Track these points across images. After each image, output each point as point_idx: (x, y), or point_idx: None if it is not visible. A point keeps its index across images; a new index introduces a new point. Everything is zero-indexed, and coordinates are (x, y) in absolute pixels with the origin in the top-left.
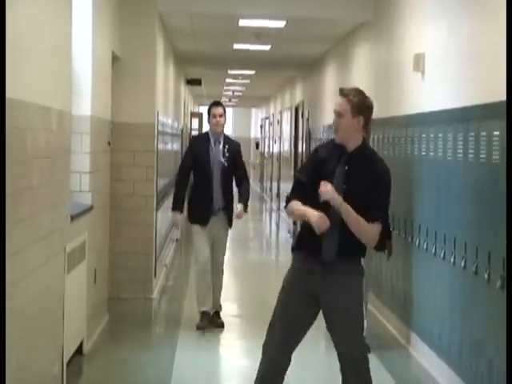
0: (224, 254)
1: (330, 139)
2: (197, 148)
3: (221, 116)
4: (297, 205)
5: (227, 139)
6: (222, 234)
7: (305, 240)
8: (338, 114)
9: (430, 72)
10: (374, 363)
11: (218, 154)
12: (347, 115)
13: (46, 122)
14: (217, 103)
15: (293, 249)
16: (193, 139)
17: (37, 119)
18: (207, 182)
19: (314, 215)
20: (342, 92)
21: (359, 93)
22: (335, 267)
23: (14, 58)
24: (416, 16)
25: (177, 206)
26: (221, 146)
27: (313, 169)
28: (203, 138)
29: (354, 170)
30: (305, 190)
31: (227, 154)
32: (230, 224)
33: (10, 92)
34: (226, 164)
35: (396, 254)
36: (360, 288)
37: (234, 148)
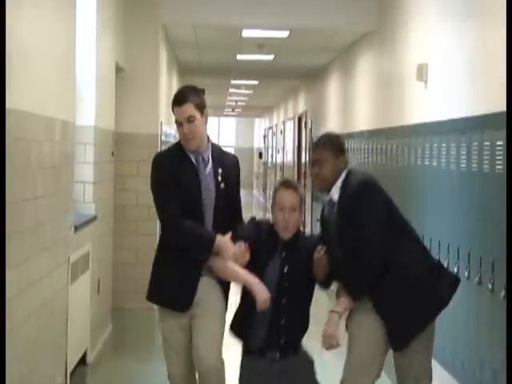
0: (218, 350)
1: None
2: (176, 172)
3: (191, 121)
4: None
5: (219, 153)
6: (213, 312)
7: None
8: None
9: (433, 82)
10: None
11: (207, 180)
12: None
13: (49, 133)
14: (180, 98)
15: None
16: (159, 160)
17: (41, 130)
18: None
19: (262, 292)
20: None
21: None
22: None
23: (18, 68)
24: (419, 26)
25: (209, 244)
26: (209, 167)
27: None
28: (178, 156)
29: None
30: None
31: (222, 180)
32: (226, 295)
33: (14, 103)
34: (221, 197)
35: None
36: None
37: (231, 169)
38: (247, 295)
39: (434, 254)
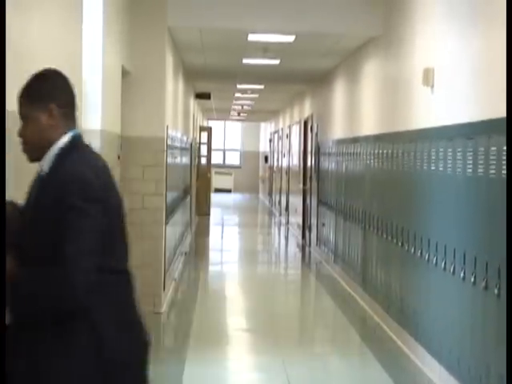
0: None
1: None
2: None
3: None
4: None
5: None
6: None
7: None
8: None
9: (440, 86)
10: (384, 377)
11: None
12: None
13: None
14: None
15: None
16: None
17: None
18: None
19: None
20: None
21: None
22: None
23: (25, 71)
24: (425, 30)
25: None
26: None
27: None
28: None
29: None
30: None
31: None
32: None
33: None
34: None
35: (405, 268)
36: None
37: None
38: None
39: (440, 258)
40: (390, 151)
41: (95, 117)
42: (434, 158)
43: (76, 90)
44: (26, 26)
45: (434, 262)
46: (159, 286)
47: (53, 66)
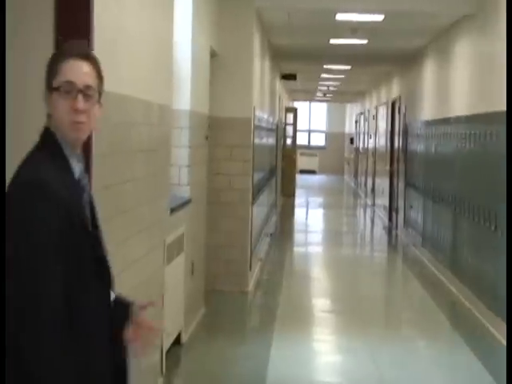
0: None
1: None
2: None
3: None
4: None
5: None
6: None
7: None
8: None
9: None
10: (474, 362)
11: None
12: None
13: (147, 116)
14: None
15: None
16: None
17: (139, 113)
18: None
19: None
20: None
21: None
22: None
23: (121, 55)
24: None
25: None
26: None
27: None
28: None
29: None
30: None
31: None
32: None
33: (114, 87)
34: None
35: (497, 252)
36: None
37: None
38: None
39: None
40: (482, 132)
41: (185, 97)
42: (506, 142)
43: (167, 72)
44: (119, 10)
45: None
46: (246, 266)
47: (145, 49)
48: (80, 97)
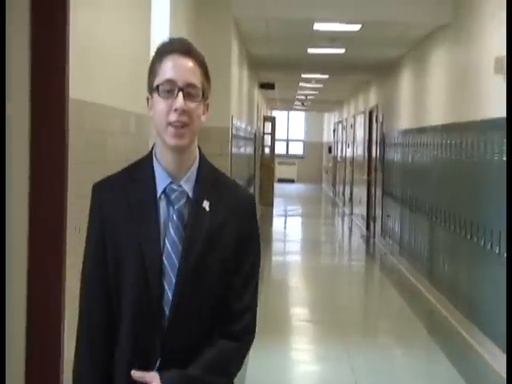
0: None
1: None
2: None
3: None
4: None
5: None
6: None
7: None
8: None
9: None
10: (450, 370)
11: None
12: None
13: (125, 126)
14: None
15: None
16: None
17: (116, 123)
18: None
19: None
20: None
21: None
22: None
23: (96, 65)
24: (497, 17)
25: None
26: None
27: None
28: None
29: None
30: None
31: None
32: None
33: (89, 96)
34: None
35: (474, 260)
36: None
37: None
38: None
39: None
40: (458, 141)
41: None
42: (505, 148)
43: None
44: (96, 15)
45: (505, 255)
46: None
47: (122, 59)
48: (181, 95)
